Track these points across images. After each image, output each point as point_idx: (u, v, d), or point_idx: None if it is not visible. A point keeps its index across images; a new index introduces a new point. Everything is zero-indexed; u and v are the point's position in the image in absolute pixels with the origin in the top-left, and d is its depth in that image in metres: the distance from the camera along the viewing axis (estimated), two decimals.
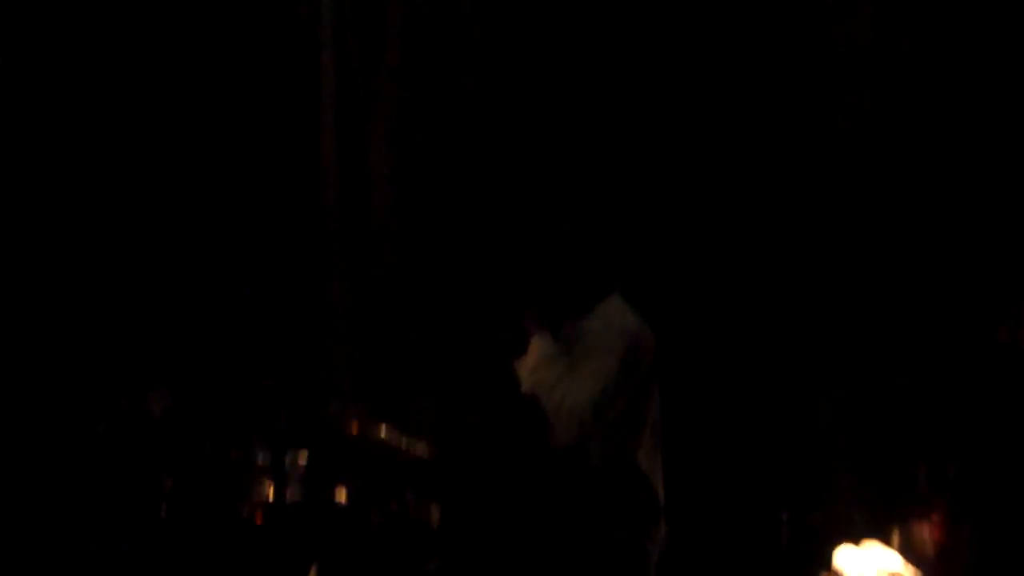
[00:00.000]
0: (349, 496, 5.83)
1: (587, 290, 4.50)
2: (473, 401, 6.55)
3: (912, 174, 6.25)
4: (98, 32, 6.76)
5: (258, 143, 7.05)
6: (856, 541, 5.50)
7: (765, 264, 6.29)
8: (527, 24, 6.87)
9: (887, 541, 5.56)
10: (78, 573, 5.19)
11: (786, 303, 6.26)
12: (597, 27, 6.71)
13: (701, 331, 6.29)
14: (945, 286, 6.16)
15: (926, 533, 5.64)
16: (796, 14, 6.49)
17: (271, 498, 5.79)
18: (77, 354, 6.46)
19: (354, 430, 6.24)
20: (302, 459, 5.96)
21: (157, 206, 6.88)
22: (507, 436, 5.03)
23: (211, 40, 6.98)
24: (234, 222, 7.04)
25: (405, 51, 7.20)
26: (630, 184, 6.47)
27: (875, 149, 6.33)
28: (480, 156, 6.99)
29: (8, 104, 6.56)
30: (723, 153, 6.44)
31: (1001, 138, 6.12)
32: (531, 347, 4.34)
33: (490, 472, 4.74)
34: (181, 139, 6.93)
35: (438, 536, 5.39)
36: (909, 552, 5.53)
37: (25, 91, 6.62)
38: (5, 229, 6.51)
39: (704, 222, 6.43)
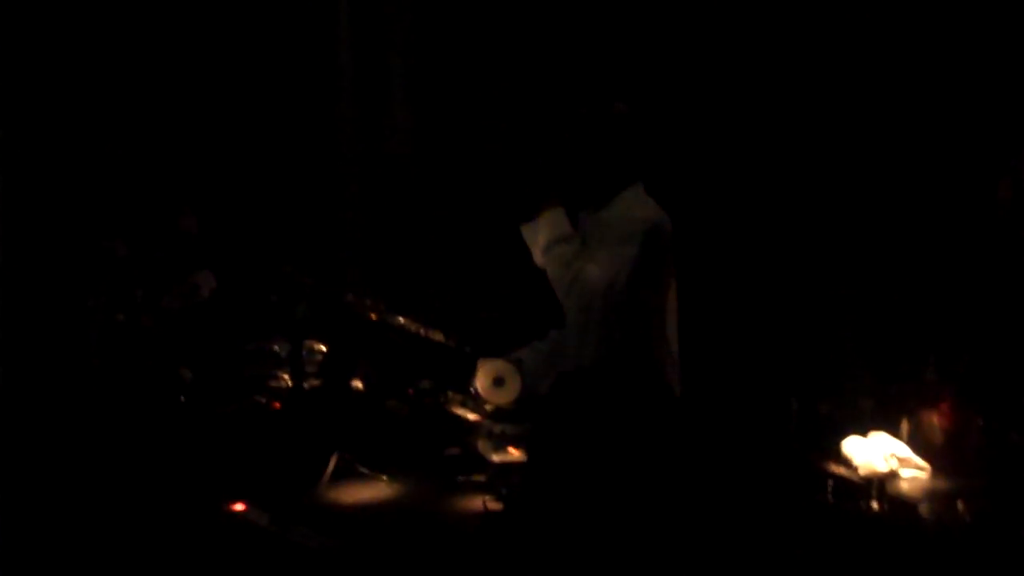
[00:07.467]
0: (367, 384, 5.91)
1: (608, 179, 4.50)
2: (487, 292, 6.64)
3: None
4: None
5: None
6: (864, 431, 5.59)
7: (786, 162, 6.32)
8: None
9: (896, 431, 5.64)
10: (97, 460, 5.26)
11: (802, 196, 6.30)
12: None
13: (720, 223, 6.33)
14: (949, 174, 6.19)
15: (935, 422, 5.73)
16: None
17: (290, 387, 5.88)
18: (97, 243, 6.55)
19: (372, 318, 6.31)
20: (321, 347, 6.05)
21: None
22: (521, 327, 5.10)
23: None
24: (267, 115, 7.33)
25: None
26: (658, 79, 6.49)
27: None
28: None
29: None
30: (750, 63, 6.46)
31: None
32: (543, 222, 4.29)
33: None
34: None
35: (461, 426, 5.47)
36: (917, 441, 5.62)
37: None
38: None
39: (730, 119, 6.45)
